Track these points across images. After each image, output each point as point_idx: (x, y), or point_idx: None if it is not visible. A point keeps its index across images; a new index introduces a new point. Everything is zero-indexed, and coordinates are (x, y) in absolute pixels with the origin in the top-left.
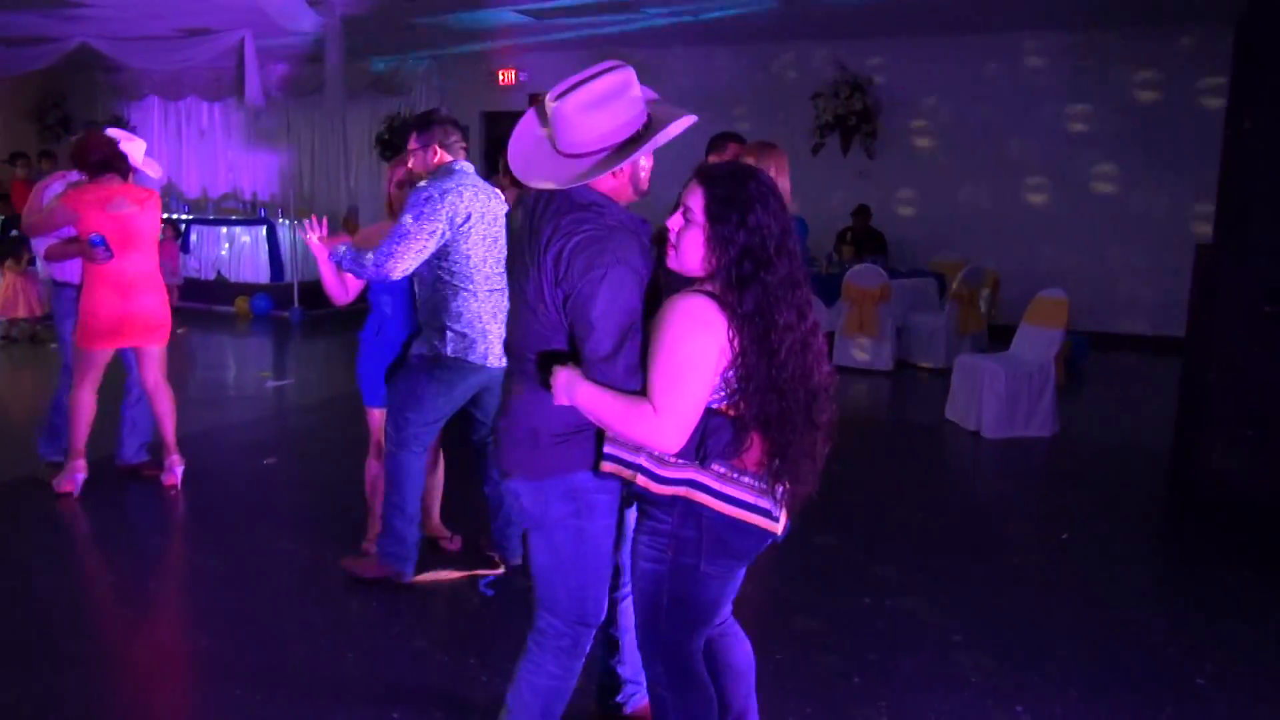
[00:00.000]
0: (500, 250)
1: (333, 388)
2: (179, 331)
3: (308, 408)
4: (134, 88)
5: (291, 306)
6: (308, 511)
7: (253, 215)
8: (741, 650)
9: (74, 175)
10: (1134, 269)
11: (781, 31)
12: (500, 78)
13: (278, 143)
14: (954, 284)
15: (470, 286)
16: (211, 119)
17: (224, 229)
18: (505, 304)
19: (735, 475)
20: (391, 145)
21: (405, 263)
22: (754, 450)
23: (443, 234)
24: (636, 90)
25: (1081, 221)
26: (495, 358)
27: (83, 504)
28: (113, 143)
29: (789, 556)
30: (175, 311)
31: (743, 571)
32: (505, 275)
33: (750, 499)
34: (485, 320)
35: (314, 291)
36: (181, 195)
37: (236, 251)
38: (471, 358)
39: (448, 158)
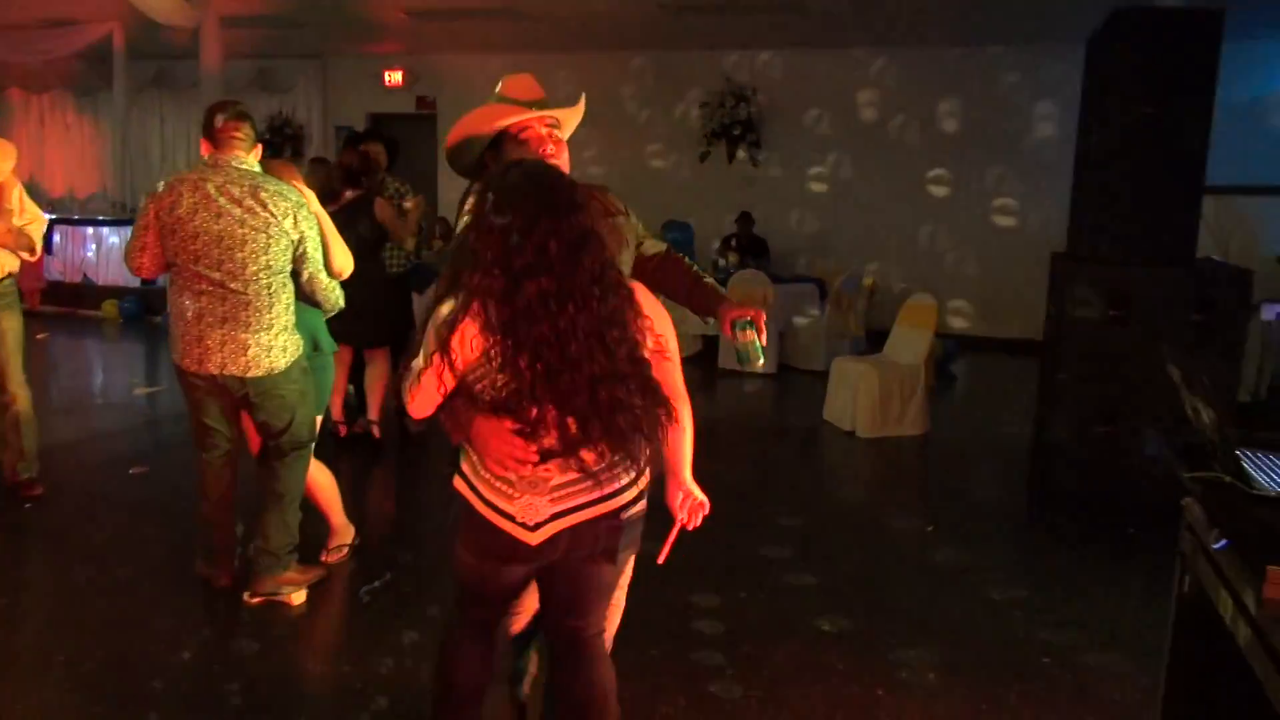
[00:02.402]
0: (208, 247)
1: None
2: (38, 337)
3: (180, 415)
4: None
5: (163, 311)
6: (175, 521)
7: (122, 216)
8: (573, 680)
9: None
10: (1004, 275)
11: (668, 40)
12: (386, 79)
13: (150, 140)
14: (833, 289)
15: (174, 278)
16: (79, 114)
17: (91, 230)
18: (226, 308)
19: (478, 467)
20: (272, 145)
21: (134, 260)
22: (491, 449)
23: (149, 226)
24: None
25: (955, 229)
26: (198, 364)
27: None
28: None
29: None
30: (37, 316)
31: (511, 571)
32: (231, 277)
33: (489, 495)
34: (189, 320)
35: None
36: (45, 194)
37: (105, 253)
38: (173, 354)
39: (206, 151)
